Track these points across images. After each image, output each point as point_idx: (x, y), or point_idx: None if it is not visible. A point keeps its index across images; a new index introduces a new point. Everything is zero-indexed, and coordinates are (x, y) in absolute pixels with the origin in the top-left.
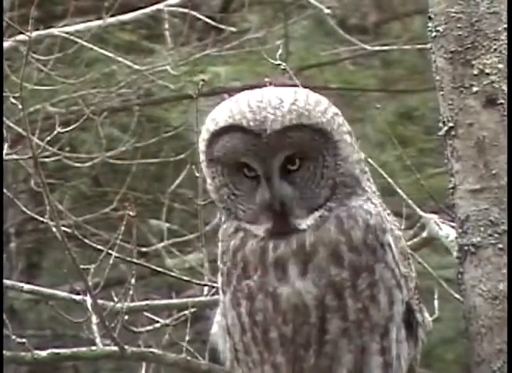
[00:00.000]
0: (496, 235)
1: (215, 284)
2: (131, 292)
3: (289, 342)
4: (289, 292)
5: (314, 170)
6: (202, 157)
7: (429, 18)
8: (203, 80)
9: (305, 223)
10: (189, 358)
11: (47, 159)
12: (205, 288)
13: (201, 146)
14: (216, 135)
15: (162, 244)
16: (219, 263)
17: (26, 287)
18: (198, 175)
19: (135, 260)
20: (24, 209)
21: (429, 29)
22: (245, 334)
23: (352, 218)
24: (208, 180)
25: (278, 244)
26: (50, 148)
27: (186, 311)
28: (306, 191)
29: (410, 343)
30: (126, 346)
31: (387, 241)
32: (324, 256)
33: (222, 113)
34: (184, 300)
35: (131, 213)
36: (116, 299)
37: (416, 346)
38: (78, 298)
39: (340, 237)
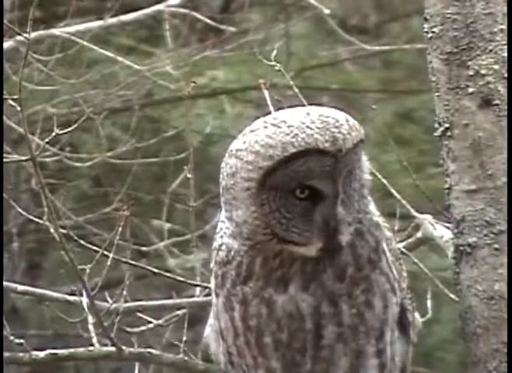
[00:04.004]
0: (492, 236)
1: (208, 285)
2: (125, 292)
3: (284, 347)
4: (284, 300)
5: (350, 184)
6: (251, 185)
7: (425, 19)
8: (194, 82)
9: (344, 239)
10: (186, 358)
11: (47, 159)
12: (197, 289)
13: (254, 175)
14: (284, 161)
15: (162, 243)
16: (212, 265)
17: (20, 287)
18: (190, 176)
19: (129, 261)
20: (21, 211)
21: (425, 30)
22: (238, 338)
23: (363, 240)
24: (252, 208)
25: (291, 264)
26: (51, 148)
27: (178, 312)
28: (350, 207)
29: (403, 343)
30: (124, 347)
31: (382, 248)
32: (330, 276)
33: (283, 139)
34: (179, 300)
35: (126, 213)
36: (112, 299)
37: (408, 345)
38: (73, 298)
39: (350, 260)
